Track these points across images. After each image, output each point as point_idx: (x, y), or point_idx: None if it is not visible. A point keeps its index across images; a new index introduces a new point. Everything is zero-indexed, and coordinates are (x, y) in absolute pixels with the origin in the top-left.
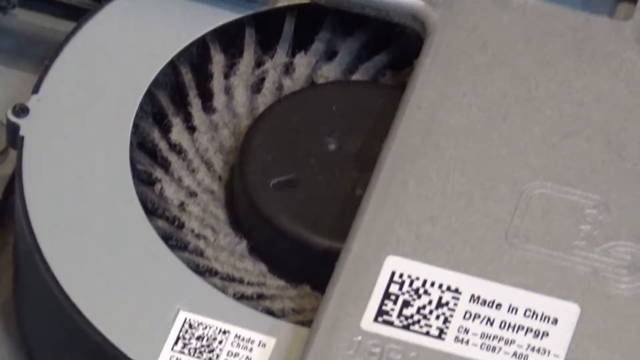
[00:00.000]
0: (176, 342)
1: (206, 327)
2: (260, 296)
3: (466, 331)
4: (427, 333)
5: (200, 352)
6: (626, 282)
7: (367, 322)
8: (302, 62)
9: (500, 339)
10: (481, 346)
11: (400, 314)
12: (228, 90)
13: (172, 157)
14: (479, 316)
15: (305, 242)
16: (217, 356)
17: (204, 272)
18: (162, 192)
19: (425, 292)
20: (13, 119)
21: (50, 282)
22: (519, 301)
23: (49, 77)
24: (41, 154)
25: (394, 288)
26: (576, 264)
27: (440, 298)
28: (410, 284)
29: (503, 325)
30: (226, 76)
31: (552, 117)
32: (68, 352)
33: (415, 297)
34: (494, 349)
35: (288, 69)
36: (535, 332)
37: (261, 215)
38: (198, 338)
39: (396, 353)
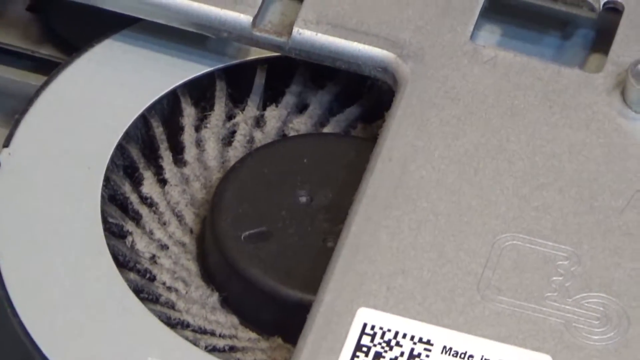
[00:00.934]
0: None
1: None
2: (232, 349)
3: None
4: None
5: None
6: (598, 334)
7: None
8: (273, 115)
9: None
10: None
11: None
12: (199, 143)
13: (144, 210)
14: None
15: (277, 295)
16: None
17: (176, 324)
18: (133, 245)
19: (397, 343)
20: None
21: (22, 336)
22: (491, 353)
23: (19, 130)
24: (12, 207)
25: (365, 340)
26: (548, 316)
27: (412, 350)
28: (382, 336)
29: None
30: (197, 129)
31: (523, 169)
32: None
33: (387, 349)
34: None
35: (259, 122)
36: None
37: (233, 267)
38: None
39: None
